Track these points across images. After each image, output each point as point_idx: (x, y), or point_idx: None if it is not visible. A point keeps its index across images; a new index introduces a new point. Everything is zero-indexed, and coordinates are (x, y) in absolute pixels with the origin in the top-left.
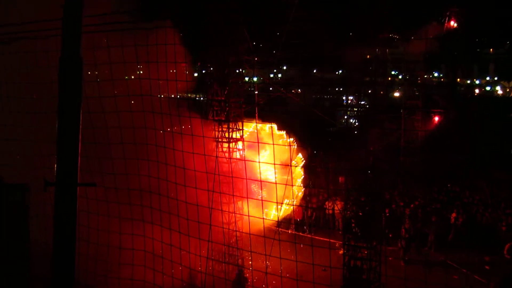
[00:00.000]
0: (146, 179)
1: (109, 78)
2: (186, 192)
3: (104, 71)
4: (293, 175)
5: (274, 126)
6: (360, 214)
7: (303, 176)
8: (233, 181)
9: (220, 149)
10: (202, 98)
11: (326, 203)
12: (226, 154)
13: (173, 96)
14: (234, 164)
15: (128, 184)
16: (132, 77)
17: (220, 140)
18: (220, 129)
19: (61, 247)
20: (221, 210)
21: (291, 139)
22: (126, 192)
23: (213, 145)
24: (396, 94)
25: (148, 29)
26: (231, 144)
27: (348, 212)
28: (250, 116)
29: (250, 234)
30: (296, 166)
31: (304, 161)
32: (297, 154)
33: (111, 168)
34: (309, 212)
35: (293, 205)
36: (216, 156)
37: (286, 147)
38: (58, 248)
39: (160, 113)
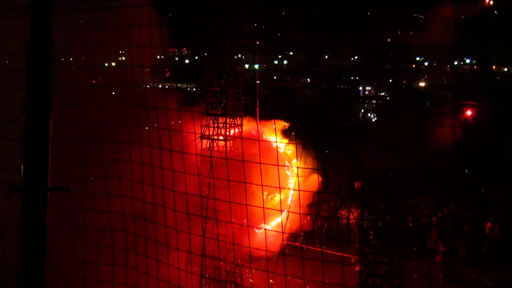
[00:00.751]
0: (128, 182)
1: (86, 65)
2: (175, 198)
3: (79, 57)
4: (299, 180)
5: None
6: (380, 224)
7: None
8: (230, 185)
9: (216, 149)
10: (194, 89)
11: (340, 211)
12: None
13: (160, 86)
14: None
15: (107, 189)
16: (113, 64)
17: (215, 137)
18: (215, 125)
19: (29, 263)
20: (216, 219)
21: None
22: (105, 197)
23: (208, 143)
24: (422, 84)
25: (122, 7)
26: (228, 143)
27: (365, 222)
28: (250, 110)
29: (250, 247)
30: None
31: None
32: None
33: (87, 171)
34: (319, 222)
35: (300, 213)
36: (211, 157)
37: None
38: (25, 264)
39: (145, 106)
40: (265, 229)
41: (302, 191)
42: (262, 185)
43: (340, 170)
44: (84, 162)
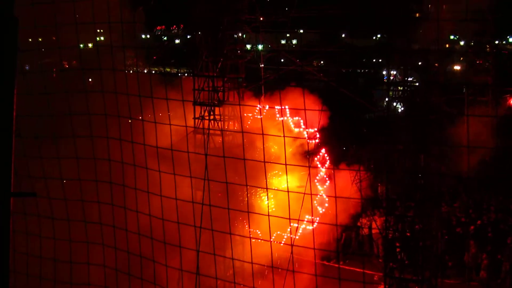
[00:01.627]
0: (106, 186)
1: (56, 46)
2: (163, 204)
3: (49, 37)
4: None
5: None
6: (408, 234)
7: (328, 182)
8: (229, 189)
9: (213, 145)
10: (186, 74)
11: (360, 219)
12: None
13: (146, 71)
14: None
15: (82, 195)
16: (90, 45)
17: (209, 131)
18: (211, 117)
19: None
20: (212, 229)
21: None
22: (79, 204)
23: (201, 138)
24: (457, 67)
25: None
26: (227, 138)
27: (391, 232)
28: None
29: (252, 263)
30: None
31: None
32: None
33: (58, 172)
34: (336, 232)
35: (313, 221)
36: (206, 154)
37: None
38: None
39: (127, 94)
40: (270, 242)
41: (309, 195)
42: (266, 188)
43: (361, 170)
44: (55, 161)
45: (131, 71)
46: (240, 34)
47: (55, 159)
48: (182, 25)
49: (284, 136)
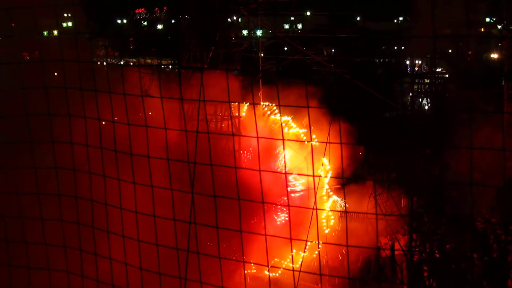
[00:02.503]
0: (71, 201)
1: (10, 33)
2: (138, 221)
3: (7, 23)
4: (321, 193)
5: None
6: (437, 255)
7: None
8: (223, 203)
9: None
10: (171, 66)
11: (381, 239)
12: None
13: (122, 63)
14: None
15: (41, 213)
16: (55, 32)
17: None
18: (202, 117)
19: None
20: (198, 252)
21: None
22: (38, 224)
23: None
24: (494, 56)
25: None
26: (221, 142)
27: (417, 253)
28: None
29: None
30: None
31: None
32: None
33: (14, 184)
34: (347, 255)
35: (323, 242)
36: (194, 163)
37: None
38: None
39: (94, 90)
40: (268, 269)
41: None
42: (263, 202)
43: (380, 180)
44: (11, 172)
45: (104, 63)
46: (234, 18)
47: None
48: (165, 8)
49: (283, 139)
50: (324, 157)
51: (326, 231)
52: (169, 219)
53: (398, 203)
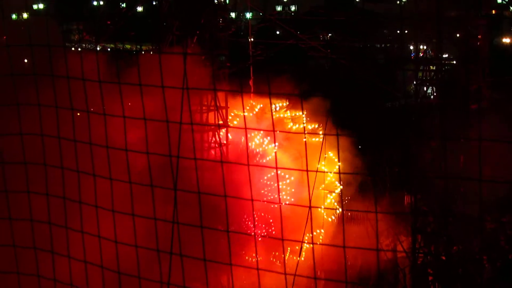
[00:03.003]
0: (41, 201)
1: None
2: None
3: None
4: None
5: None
6: (443, 258)
7: (339, 189)
8: (212, 204)
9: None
10: (152, 52)
11: (382, 240)
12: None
13: (98, 48)
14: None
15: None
16: (25, 15)
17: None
18: (186, 108)
19: None
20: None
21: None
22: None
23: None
24: (506, 40)
25: None
26: (207, 134)
27: (421, 256)
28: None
29: None
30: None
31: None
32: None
33: None
34: (345, 257)
35: (313, 243)
36: (177, 157)
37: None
38: None
39: (67, 77)
40: (257, 263)
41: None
42: (252, 199)
43: (381, 175)
44: None
45: (78, 49)
46: None
47: None
48: None
49: (273, 131)
50: (321, 152)
51: (321, 232)
52: (151, 218)
53: (401, 201)
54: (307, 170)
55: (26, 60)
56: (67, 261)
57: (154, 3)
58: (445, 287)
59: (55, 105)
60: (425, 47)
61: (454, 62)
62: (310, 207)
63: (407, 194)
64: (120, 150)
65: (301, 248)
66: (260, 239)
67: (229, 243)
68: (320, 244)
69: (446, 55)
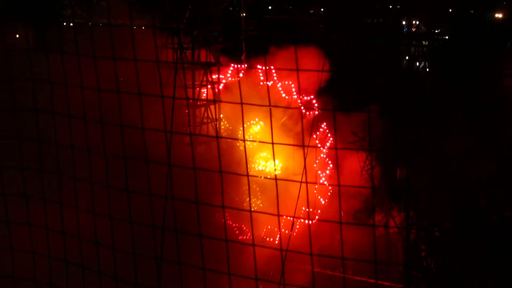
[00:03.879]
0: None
1: None
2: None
3: None
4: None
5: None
6: (436, 233)
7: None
8: (198, 176)
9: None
10: (143, 28)
11: (374, 215)
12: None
13: (90, 24)
14: (200, 145)
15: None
16: None
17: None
18: (179, 83)
19: None
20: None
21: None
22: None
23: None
24: (498, 15)
25: None
26: (199, 110)
27: (413, 231)
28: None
29: (229, 274)
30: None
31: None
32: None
33: None
34: (341, 233)
35: (310, 217)
36: (171, 132)
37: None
38: None
39: (61, 52)
40: (253, 239)
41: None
42: (247, 175)
43: (372, 150)
44: None
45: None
46: None
47: None
48: None
49: (270, 106)
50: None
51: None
52: (144, 194)
53: (393, 176)
54: (304, 146)
55: (18, 36)
56: (61, 236)
57: None
58: (438, 263)
59: (48, 80)
60: (417, 22)
61: (447, 37)
62: (306, 182)
63: (400, 170)
64: (115, 125)
65: (293, 223)
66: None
67: (225, 220)
68: (316, 220)
69: (439, 31)
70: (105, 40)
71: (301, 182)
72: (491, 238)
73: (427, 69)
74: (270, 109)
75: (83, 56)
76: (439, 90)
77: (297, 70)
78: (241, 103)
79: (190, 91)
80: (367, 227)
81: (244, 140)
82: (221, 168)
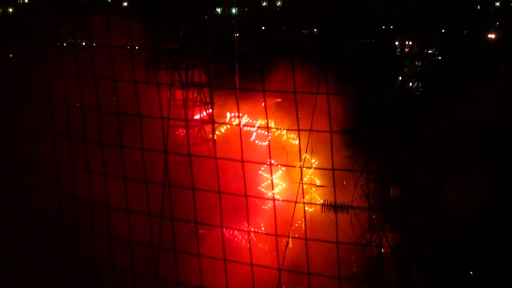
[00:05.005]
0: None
1: None
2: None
3: None
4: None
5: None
6: (430, 253)
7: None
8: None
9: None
10: (137, 47)
11: (366, 234)
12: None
13: (84, 43)
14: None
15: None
16: (10, 10)
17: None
18: (173, 103)
19: None
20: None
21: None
22: None
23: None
24: (491, 36)
25: None
26: (192, 130)
27: (406, 250)
28: (225, 78)
29: None
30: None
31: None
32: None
33: None
34: (337, 252)
35: (306, 239)
36: (165, 152)
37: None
38: None
39: (49, 72)
40: (251, 258)
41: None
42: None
43: (367, 171)
44: None
45: (64, 44)
46: None
47: None
48: None
49: (268, 127)
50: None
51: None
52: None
53: (387, 194)
54: (301, 167)
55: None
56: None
57: None
58: (432, 283)
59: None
60: (410, 42)
61: (440, 58)
62: (304, 203)
63: (393, 188)
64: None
65: (287, 242)
66: (246, 233)
67: (224, 245)
68: (313, 240)
69: (431, 51)
70: (104, 62)
71: (303, 203)
72: (484, 258)
73: (420, 89)
74: (268, 127)
75: (69, 76)
76: (431, 109)
77: (295, 92)
78: (239, 125)
79: (182, 111)
80: (359, 247)
81: (242, 162)
82: (219, 189)
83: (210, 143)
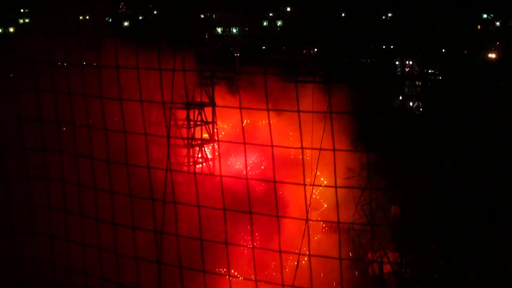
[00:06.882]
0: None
1: None
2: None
3: None
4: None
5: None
6: (434, 275)
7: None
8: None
9: (174, 159)
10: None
11: (368, 253)
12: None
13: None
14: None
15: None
16: (11, 30)
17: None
18: (173, 123)
19: None
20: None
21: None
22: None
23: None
24: (492, 56)
25: None
26: (193, 149)
27: (408, 271)
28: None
29: None
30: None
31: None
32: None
33: None
34: (341, 270)
35: (309, 255)
36: (168, 169)
37: None
38: None
39: (69, 93)
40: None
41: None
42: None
43: (368, 188)
44: None
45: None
46: (208, 13)
47: None
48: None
49: (272, 146)
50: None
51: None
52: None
53: (388, 213)
54: (304, 184)
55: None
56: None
57: (140, 18)
58: None
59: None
60: (410, 62)
61: (441, 77)
62: (307, 220)
63: (394, 207)
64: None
65: (298, 260)
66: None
67: (227, 256)
68: (317, 256)
69: (431, 71)
70: (111, 81)
71: (306, 219)
72: (488, 278)
73: (420, 109)
74: (272, 149)
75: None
76: (432, 129)
77: (298, 111)
78: (244, 143)
79: (184, 130)
80: (361, 266)
81: (247, 179)
82: (224, 206)
83: (211, 162)
